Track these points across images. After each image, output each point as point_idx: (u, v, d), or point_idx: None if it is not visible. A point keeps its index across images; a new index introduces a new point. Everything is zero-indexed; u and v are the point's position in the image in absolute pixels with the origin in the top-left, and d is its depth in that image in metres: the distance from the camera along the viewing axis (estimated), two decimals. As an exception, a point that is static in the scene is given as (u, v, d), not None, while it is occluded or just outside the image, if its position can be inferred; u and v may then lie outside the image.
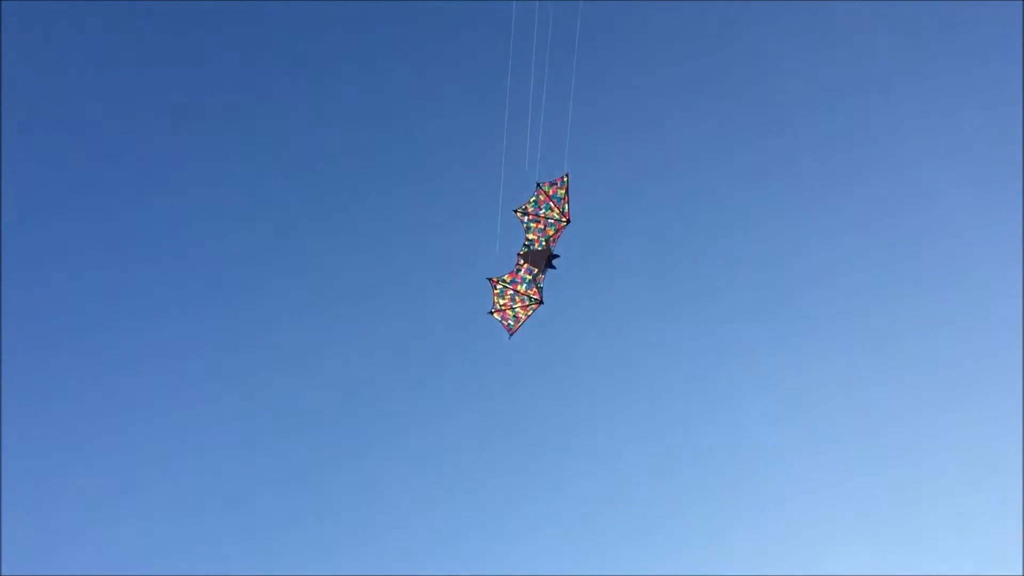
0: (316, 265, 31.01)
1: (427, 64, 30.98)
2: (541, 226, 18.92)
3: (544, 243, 18.96)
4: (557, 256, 19.03)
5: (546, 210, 18.87)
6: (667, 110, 31.09)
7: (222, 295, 30.85)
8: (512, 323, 19.51)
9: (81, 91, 29.76)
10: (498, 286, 19.31)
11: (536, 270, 19.13)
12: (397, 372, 31.66)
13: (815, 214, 32.30)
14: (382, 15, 30.67)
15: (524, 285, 19.26)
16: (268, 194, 31.23)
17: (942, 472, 31.49)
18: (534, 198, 18.86)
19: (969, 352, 31.84)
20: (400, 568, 29.79)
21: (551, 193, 18.79)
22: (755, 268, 32.12)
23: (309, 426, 30.99)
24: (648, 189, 31.56)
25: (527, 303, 19.36)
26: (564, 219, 18.81)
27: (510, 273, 19.27)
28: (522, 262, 19.09)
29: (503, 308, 19.39)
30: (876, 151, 32.59)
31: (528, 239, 19.00)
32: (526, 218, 18.92)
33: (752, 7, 30.35)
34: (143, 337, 30.04)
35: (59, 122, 29.85)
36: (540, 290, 19.25)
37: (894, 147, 32.45)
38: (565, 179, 18.73)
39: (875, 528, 30.87)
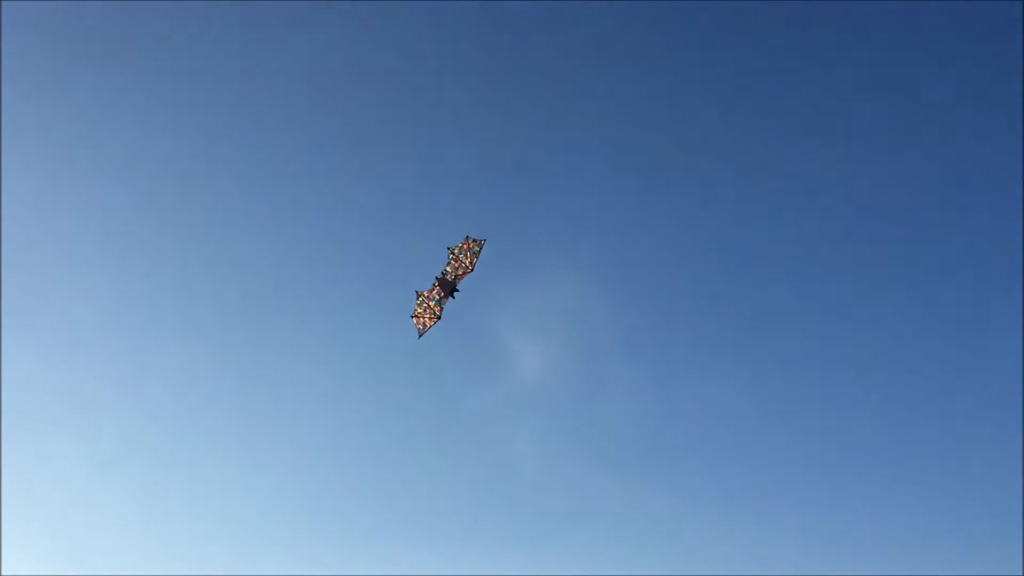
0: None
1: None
2: (456, 264, 25.24)
3: (453, 278, 25.28)
4: (458, 291, 25.31)
5: (463, 255, 25.15)
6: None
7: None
8: (421, 328, 25.94)
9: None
10: (419, 298, 25.85)
11: (443, 294, 25.46)
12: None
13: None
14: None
15: (433, 302, 25.67)
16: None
17: (942, 471, 33.66)
18: (461, 243, 25.17)
19: (969, 350, 34.28)
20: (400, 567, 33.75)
21: (471, 246, 25.06)
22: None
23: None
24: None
25: (432, 316, 25.75)
26: (470, 268, 25.07)
27: (428, 290, 25.73)
28: (436, 284, 25.52)
29: (418, 316, 25.86)
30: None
31: (446, 269, 25.39)
32: (450, 254, 25.28)
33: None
34: (146, 337, 34.90)
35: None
36: (441, 309, 25.60)
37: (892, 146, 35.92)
38: (482, 242, 24.93)
39: (874, 528, 32.87)
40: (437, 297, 25.67)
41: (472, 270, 25.16)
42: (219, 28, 35.71)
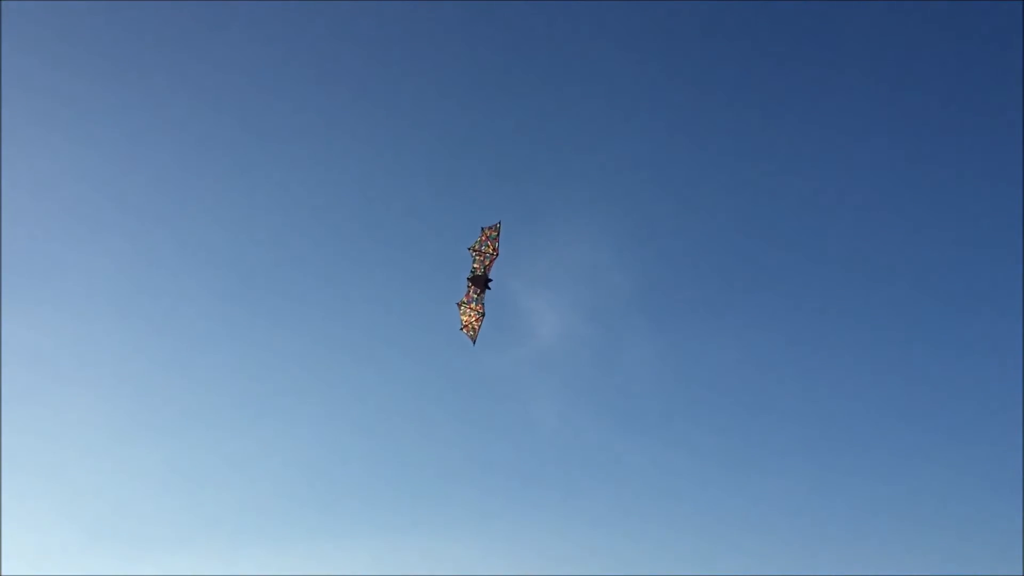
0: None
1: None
2: (481, 258, 25.92)
3: (482, 270, 25.91)
4: (491, 280, 25.85)
5: (484, 247, 25.86)
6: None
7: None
8: (472, 334, 26.42)
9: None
10: (461, 308, 26.45)
11: (479, 291, 26.03)
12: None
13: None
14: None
15: (473, 303, 26.21)
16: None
17: (943, 472, 33.78)
18: (479, 238, 25.94)
19: (969, 351, 35.20)
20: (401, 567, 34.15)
21: (489, 234, 25.79)
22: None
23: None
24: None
25: (477, 316, 26.23)
26: (495, 254, 25.72)
27: (465, 295, 26.31)
28: (469, 284, 26.11)
29: (466, 325, 26.39)
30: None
31: (473, 267, 26.04)
32: (472, 252, 26.01)
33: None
34: (149, 339, 36.83)
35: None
36: (483, 305, 26.10)
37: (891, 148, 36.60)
38: (498, 225, 25.71)
39: (875, 528, 33.02)
40: (476, 296, 26.20)
41: (498, 255, 25.82)
42: (221, 28, 38.59)
